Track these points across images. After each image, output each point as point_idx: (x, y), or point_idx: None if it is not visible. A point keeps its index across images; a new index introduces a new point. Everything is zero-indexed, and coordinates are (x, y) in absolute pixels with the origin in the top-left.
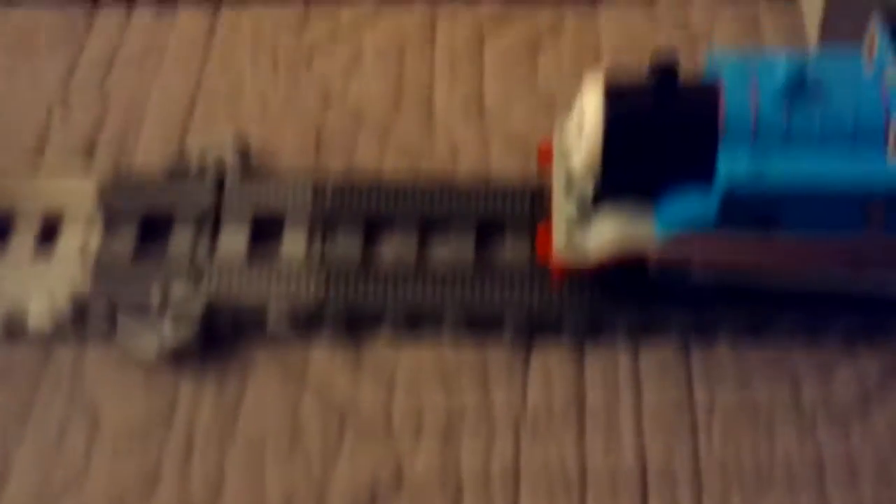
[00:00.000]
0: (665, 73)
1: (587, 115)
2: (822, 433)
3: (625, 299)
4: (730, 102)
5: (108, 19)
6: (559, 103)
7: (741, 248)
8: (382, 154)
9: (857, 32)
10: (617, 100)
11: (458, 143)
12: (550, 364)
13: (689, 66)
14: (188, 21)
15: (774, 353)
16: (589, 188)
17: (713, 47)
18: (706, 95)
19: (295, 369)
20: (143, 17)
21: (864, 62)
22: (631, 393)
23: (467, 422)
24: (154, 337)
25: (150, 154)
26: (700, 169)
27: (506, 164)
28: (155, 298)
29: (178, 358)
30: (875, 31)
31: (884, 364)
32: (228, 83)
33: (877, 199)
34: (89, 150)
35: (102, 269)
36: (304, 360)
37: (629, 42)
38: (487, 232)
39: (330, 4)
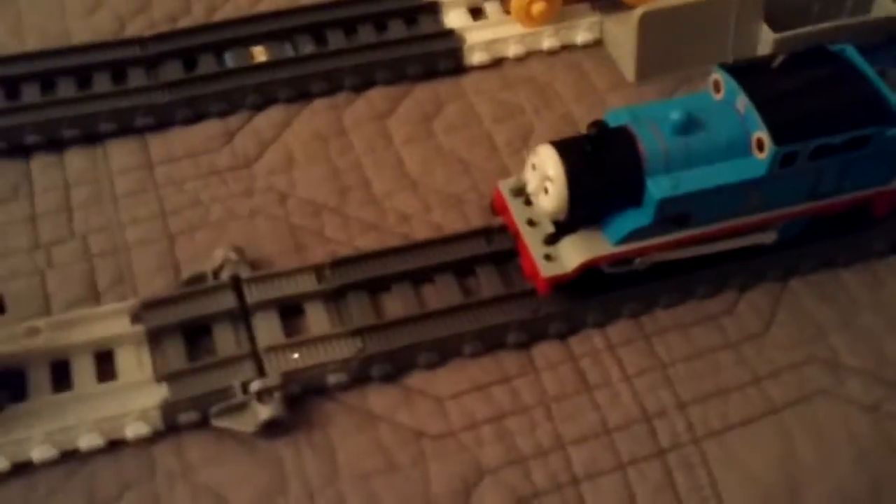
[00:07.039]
0: (598, 133)
1: (551, 172)
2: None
3: (589, 299)
4: (646, 145)
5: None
6: (467, 160)
7: (668, 240)
8: (349, 234)
9: (662, 69)
10: (571, 158)
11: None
12: (551, 360)
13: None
14: (123, 158)
15: (697, 307)
16: (553, 223)
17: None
18: (627, 145)
19: (361, 410)
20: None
21: (712, 98)
22: (615, 364)
23: (510, 419)
24: (250, 415)
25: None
26: (632, 195)
27: (449, 219)
28: (237, 388)
29: (269, 429)
30: (720, 75)
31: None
32: (189, 204)
33: (753, 185)
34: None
35: (173, 376)
36: (364, 401)
37: (496, 103)
38: (462, 272)
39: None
